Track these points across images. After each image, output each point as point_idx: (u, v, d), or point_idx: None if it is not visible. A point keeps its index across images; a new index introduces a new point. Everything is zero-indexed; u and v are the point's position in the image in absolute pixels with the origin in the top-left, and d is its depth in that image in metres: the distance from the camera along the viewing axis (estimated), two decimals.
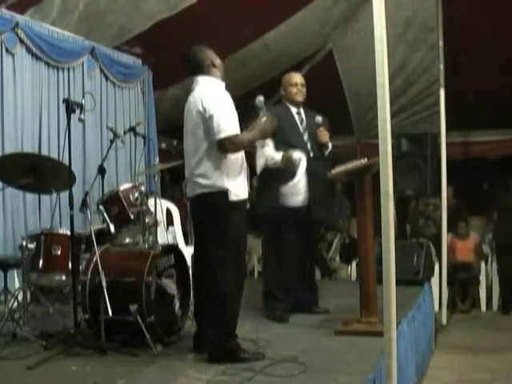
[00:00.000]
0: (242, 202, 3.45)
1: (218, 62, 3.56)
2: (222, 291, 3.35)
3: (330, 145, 4.58)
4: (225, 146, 3.33)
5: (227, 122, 3.34)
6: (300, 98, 4.58)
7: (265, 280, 4.57)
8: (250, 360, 3.32)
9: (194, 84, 3.53)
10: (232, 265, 3.38)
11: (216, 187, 3.36)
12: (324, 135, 4.49)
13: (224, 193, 3.35)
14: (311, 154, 4.43)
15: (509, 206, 7.23)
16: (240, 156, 3.47)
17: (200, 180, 3.40)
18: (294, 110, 4.58)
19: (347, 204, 8.58)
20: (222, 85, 3.52)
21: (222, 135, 3.31)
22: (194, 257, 3.68)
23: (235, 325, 3.42)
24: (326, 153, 4.56)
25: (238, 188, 3.41)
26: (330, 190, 4.66)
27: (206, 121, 3.34)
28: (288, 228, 4.37)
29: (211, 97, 3.41)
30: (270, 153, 4.32)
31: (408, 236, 7.80)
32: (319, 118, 4.53)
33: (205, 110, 3.35)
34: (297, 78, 4.65)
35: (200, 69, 3.52)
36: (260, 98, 3.56)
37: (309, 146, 4.45)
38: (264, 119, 3.48)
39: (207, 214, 3.40)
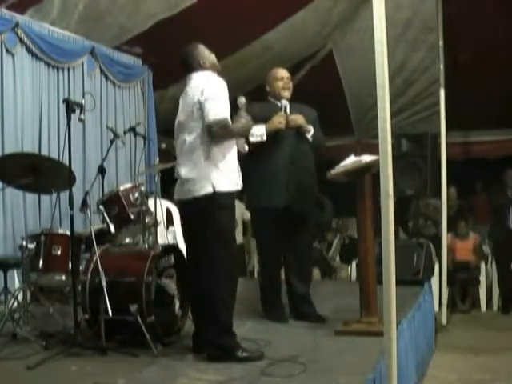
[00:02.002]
0: (229, 198, 3.44)
1: (210, 59, 3.59)
2: (215, 291, 3.36)
3: (311, 128, 4.36)
4: (214, 130, 3.33)
5: (221, 107, 3.36)
6: (287, 92, 4.41)
7: (260, 283, 4.48)
8: (249, 359, 3.32)
9: (187, 80, 3.56)
10: (224, 264, 3.38)
11: (201, 181, 3.36)
12: (295, 119, 4.29)
13: (210, 194, 3.35)
14: (299, 149, 4.32)
15: (503, 205, 7.24)
16: (232, 149, 3.49)
17: (185, 173, 3.42)
18: (279, 105, 4.40)
19: (329, 204, 8.49)
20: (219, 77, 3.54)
21: (214, 117, 3.32)
22: (187, 258, 3.67)
23: (231, 323, 3.42)
24: (309, 136, 4.35)
25: (225, 179, 3.41)
26: (316, 185, 4.47)
27: (202, 105, 3.36)
28: (272, 228, 4.26)
29: (210, 83, 3.44)
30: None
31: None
32: (284, 102, 4.35)
33: (202, 93, 3.37)
34: (282, 72, 4.47)
35: (193, 68, 3.55)
36: (241, 99, 3.55)
37: (295, 141, 4.33)
38: (243, 119, 3.50)
39: (196, 216, 3.41)
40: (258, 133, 4.19)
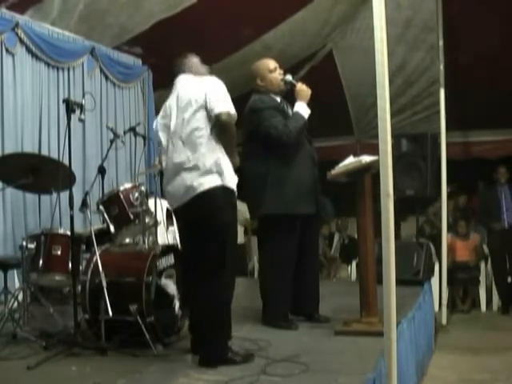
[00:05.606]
0: (233, 195, 3.40)
1: (201, 71, 3.64)
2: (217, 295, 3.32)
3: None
4: (223, 119, 3.31)
5: (227, 100, 3.38)
6: (284, 84, 4.25)
7: (271, 293, 4.23)
8: (239, 363, 3.26)
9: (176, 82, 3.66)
10: (226, 264, 3.33)
11: (206, 174, 3.30)
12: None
13: (219, 187, 3.30)
14: (313, 150, 4.27)
15: (494, 205, 7.23)
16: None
17: (189, 174, 3.33)
18: (278, 98, 4.26)
19: (329, 205, 8.49)
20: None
21: (222, 109, 3.32)
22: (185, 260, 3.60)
23: (229, 326, 3.39)
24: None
25: (229, 174, 3.37)
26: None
27: (206, 103, 3.36)
28: (297, 236, 4.13)
29: (213, 83, 3.44)
30: None
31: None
32: (288, 76, 4.23)
33: (208, 92, 3.37)
34: (273, 62, 4.26)
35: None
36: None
37: (309, 140, 4.27)
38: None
39: (200, 215, 3.32)
40: (306, 113, 4.14)
